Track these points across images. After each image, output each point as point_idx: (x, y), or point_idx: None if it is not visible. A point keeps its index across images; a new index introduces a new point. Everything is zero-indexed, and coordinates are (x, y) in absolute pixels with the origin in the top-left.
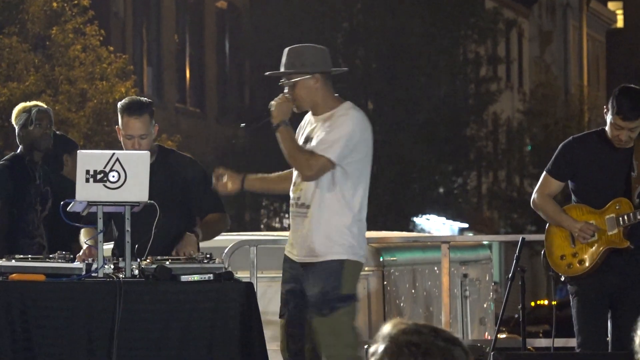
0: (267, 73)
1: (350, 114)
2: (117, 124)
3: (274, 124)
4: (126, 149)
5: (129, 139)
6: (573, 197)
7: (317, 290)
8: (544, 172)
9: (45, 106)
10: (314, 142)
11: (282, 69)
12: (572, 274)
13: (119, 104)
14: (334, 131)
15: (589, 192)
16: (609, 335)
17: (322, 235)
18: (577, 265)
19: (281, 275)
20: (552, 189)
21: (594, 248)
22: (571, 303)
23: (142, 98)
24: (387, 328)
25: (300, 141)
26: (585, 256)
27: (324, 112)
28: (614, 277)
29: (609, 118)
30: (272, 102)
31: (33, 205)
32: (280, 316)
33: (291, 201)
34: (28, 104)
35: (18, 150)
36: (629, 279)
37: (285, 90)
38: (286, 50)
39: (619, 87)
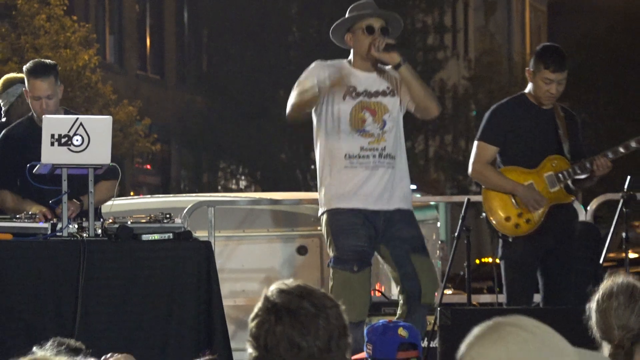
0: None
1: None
2: (25, 88)
3: (398, 62)
4: (34, 110)
5: (37, 99)
6: (500, 160)
7: (417, 233)
8: (477, 142)
9: None
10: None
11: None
12: (522, 234)
13: (24, 67)
14: None
15: (521, 153)
16: (541, 290)
17: (408, 184)
18: (525, 224)
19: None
20: (488, 156)
21: None
22: (502, 261)
23: (47, 60)
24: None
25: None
26: (530, 215)
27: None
28: (551, 235)
29: (538, 76)
30: (390, 42)
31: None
32: (359, 270)
33: (369, 152)
34: (17, 75)
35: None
36: (564, 234)
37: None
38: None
39: (541, 46)
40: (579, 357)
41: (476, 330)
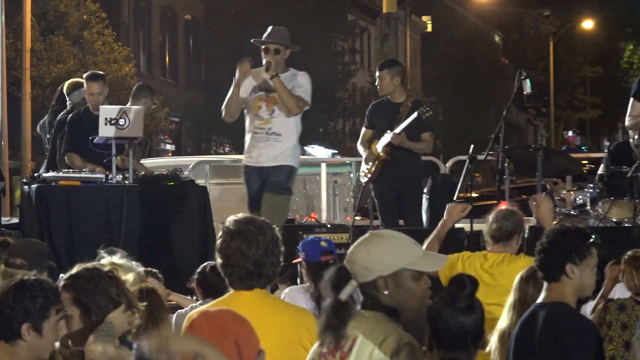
0: (261, 41)
1: (305, 74)
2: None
3: (272, 74)
4: (89, 102)
5: (92, 95)
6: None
7: (278, 179)
8: (364, 129)
9: None
10: (297, 92)
11: (271, 40)
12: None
13: (84, 75)
14: (305, 85)
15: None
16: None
17: (289, 151)
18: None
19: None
20: (366, 136)
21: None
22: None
23: (99, 71)
24: (227, 219)
25: (255, 88)
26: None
27: (284, 72)
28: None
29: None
30: (270, 60)
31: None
32: (252, 211)
33: (260, 130)
34: (81, 80)
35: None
36: (407, 181)
37: (273, 54)
38: (272, 27)
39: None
40: (424, 255)
41: (363, 238)
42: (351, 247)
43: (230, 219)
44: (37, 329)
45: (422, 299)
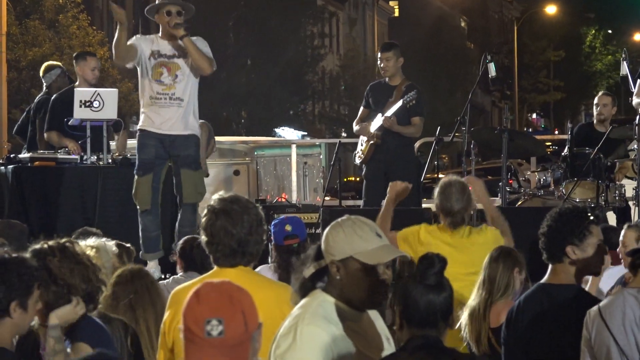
0: (164, 3)
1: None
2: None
3: (183, 34)
4: (89, 78)
5: (93, 70)
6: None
7: (191, 153)
8: (361, 108)
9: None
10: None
11: (172, 1)
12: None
13: (80, 53)
14: (207, 48)
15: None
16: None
17: (193, 118)
18: (363, 156)
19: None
20: (362, 115)
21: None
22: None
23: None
24: (212, 197)
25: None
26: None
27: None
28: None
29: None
30: (178, 21)
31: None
32: (143, 175)
33: (162, 95)
34: (55, 62)
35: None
36: (395, 163)
37: (176, 16)
38: None
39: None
40: (380, 247)
41: (335, 221)
42: (326, 230)
43: (215, 197)
44: (23, 305)
45: (370, 291)
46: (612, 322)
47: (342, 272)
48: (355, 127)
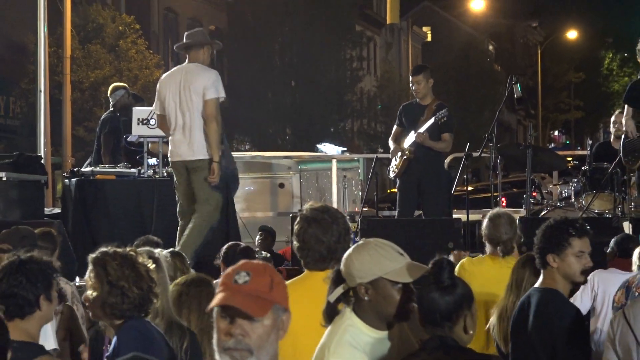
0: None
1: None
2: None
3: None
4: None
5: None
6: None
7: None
8: (395, 126)
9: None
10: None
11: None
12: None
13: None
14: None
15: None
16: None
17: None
18: (397, 171)
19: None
20: (396, 133)
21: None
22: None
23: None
24: (304, 207)
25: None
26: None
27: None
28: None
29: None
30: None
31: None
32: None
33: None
34: (120, 84)
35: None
36: (427, 176)
37: None
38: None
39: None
40: (405, 265)
41: (354, 245)
42: (349, 252)
43: (307, 206)
44: (48, 297)
45: (401, 306)
46: (635, 323)
47: (372, 292)
48: (391, 148)
